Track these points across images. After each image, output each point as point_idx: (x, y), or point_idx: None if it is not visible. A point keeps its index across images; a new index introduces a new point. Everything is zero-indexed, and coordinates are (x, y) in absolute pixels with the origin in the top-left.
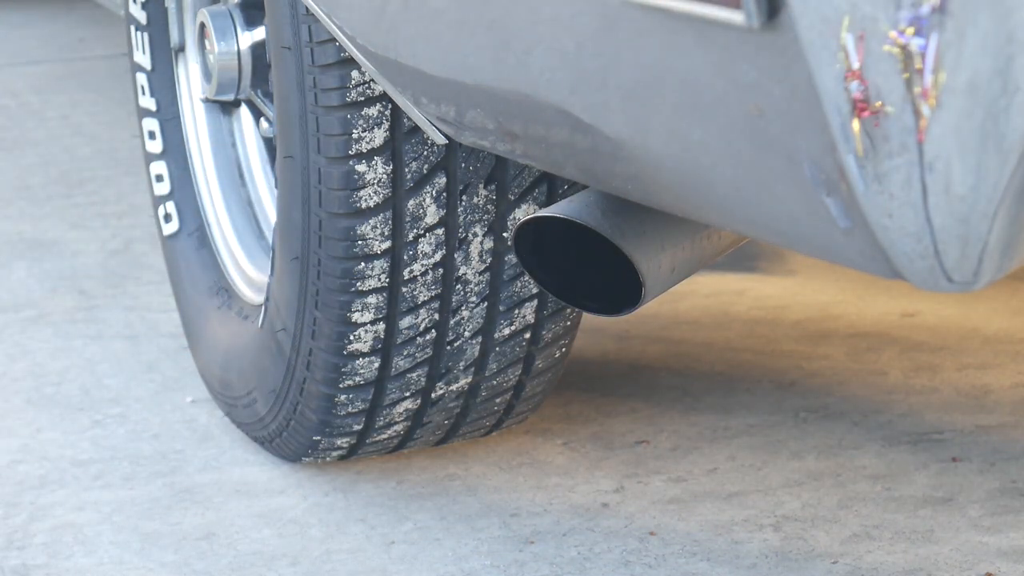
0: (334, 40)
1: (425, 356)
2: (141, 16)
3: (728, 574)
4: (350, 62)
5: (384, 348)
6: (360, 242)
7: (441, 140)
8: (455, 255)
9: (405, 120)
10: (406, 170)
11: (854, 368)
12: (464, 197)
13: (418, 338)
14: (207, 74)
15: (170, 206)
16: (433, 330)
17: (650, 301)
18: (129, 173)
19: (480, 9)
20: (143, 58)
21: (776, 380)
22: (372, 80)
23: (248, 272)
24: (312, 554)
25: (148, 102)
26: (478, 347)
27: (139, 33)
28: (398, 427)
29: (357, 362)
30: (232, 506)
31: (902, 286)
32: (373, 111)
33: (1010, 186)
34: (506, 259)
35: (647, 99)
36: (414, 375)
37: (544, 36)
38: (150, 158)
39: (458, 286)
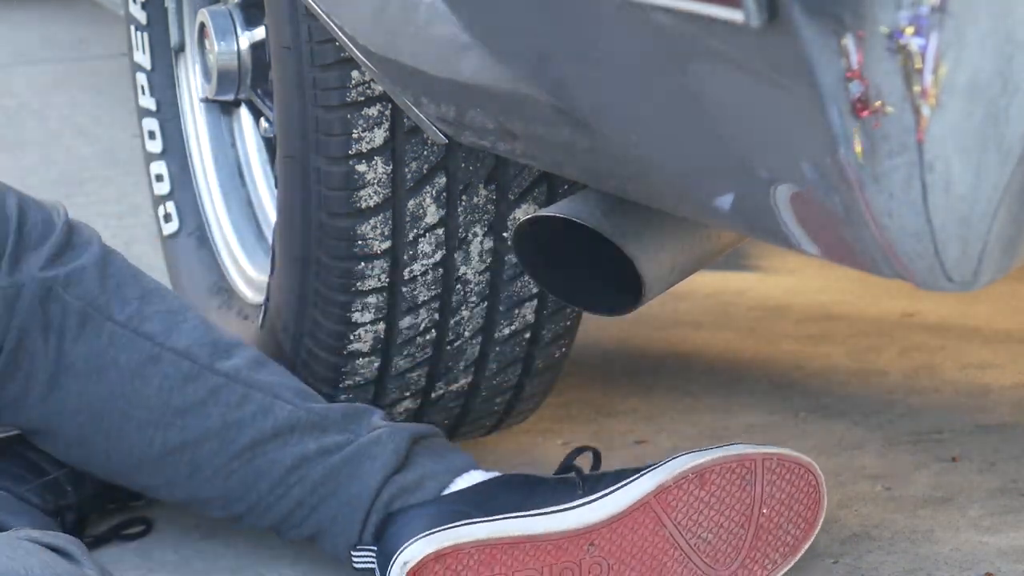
0: (334, 40)
1: (425, 356)
2: (141, 16)
3: None
4: (350, 62)
5: (384, 348)
6: (360, 242)
7: (441, 140)
8: (455, 255)
9: (405, 120)
10: (406, 170)
11: (854, 368)
12: (464, 197)
13: (418, 338)
14: (207, 74)
15: (170, 206)
16: (433, 330)
17: (650, 301)
18: (129, 173)
19: (480, 9)
20: (143, 58)
21: (776, 380)
22: (372, 80)
23: (248, 272)
24: (312, 554)
25: (148, 102)
26: (478, 347)
27: (139, 33)
28: None
29: (357, 362)
30: None
31: (902, 286)
32: (373, 111)
33: (1010, 186)
34: (506, 259)
35: (647, 99)
36: (414, 375)
37: (544, 36)
38: (150, 158)
39: (458, 286)
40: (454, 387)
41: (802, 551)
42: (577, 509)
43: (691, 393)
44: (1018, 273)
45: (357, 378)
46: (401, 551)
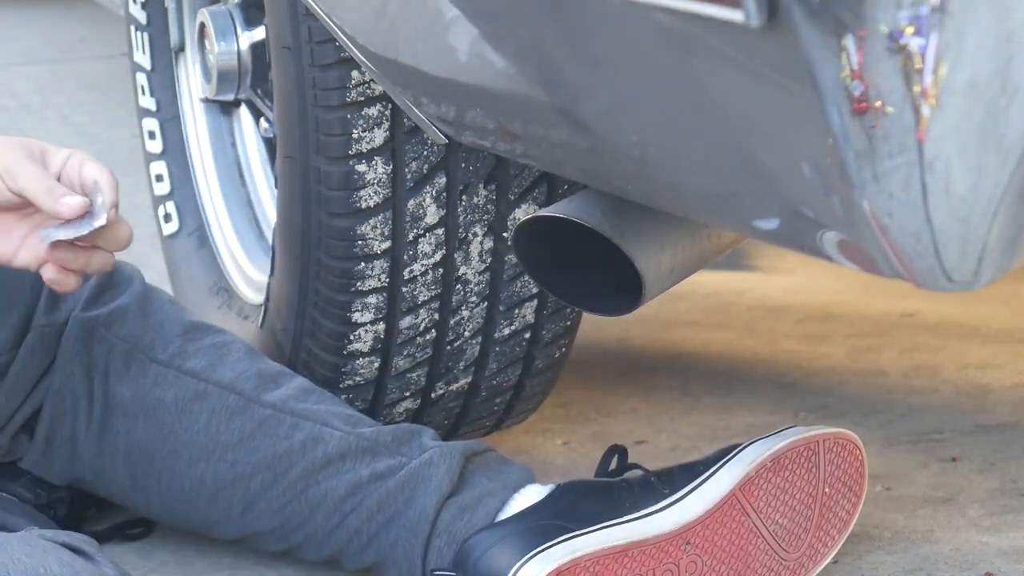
0: (334, 40)
1: (425, 356)
2: (141, 16)
3: None
4: (350, 62)
5: (384, 348)
6: (360, 242)
7: (441, 140)
8: (455, 255)
9: (405, 120)
10: (406, 170)
11: (854, 368)
12: (464, 197)
13: (418, 338)
14: (207, 74)
15: (170, 206)
16: (433, 330)
17: (650, 301)
18: (129, 173)
19: (480, 9)
20: (143, 58)
21: (776, 380)
22: (372, 80)
23: (248, 272)
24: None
25: (148, 102)
26: (478, 347)
27: (139, 33)
28: None
29: (357, 362)
30: None
31: (902, 286)
32: (373, 111)
33: (1010, 186)
34: (506, 259)
35: (646, 98)
36: (414, 375)
37: (543, 35)
38: (150, 158)
39: (458, 286)
40: (454, 387)
41: (851, 526)
42: (672, 508)
43: (691, 393)
44: (1018, 273)
45: (357, 378)
46: (517, 571)
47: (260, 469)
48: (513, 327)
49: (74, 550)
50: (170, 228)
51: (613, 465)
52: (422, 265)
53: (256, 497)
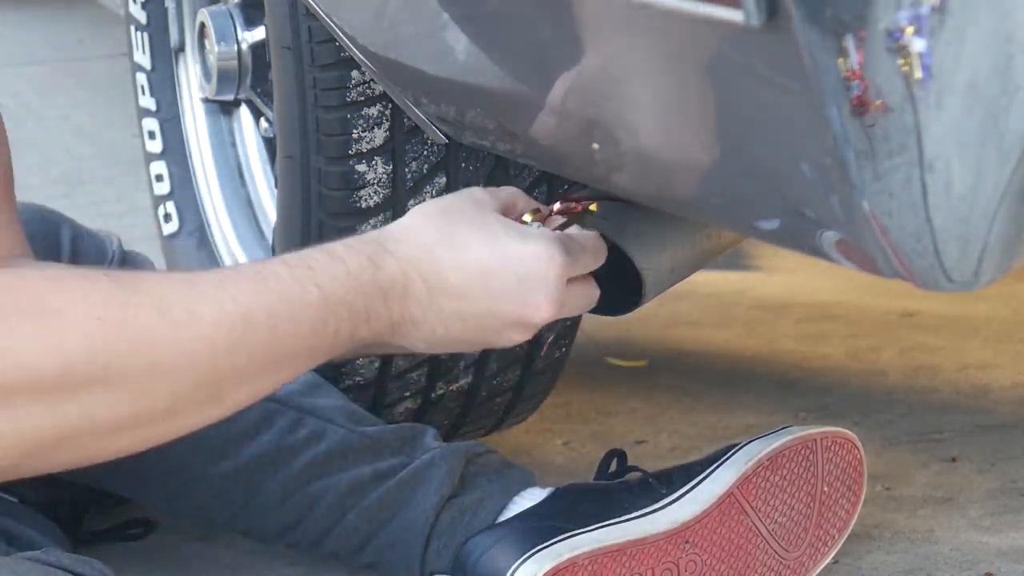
0: (334, 40)
1: (425, 356)
2: (141, 16)
3: None
4: (350, 62)
5: None
6: None
7: (441, 140)
8: None
9: (405, 120)
10: (406, 170)
11: (854, 368)
12: None
13: None
14: (207, 74)
15: (170, 206)
16: None
17: (650, 301)
18: (129, 173)
19: (479, 9)
20: (143, 58)
21: (776, 380)
22: (372, 80)
23: None
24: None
25: (148, 102)
26: None
27: (139, 33)
28: None
29: (357, 362)
30: None
31: (902, 286)
32: (373, 111)
33: (1010, 186)
34: None
35: (647, 99)
36: (414, 375)
37: (544, 35)
38: (150, 158)
39: None
40: (454, 387)
41: (851, 526)
42: (670, 507)
43: (691, 393)
44: (1018, 273)
45: (357, 378)
46: (515, 571)
47: (263, 463)
48: None
49: None
50: (170, 228)
51: (612, 468)
52: None
53: (257, 490)
